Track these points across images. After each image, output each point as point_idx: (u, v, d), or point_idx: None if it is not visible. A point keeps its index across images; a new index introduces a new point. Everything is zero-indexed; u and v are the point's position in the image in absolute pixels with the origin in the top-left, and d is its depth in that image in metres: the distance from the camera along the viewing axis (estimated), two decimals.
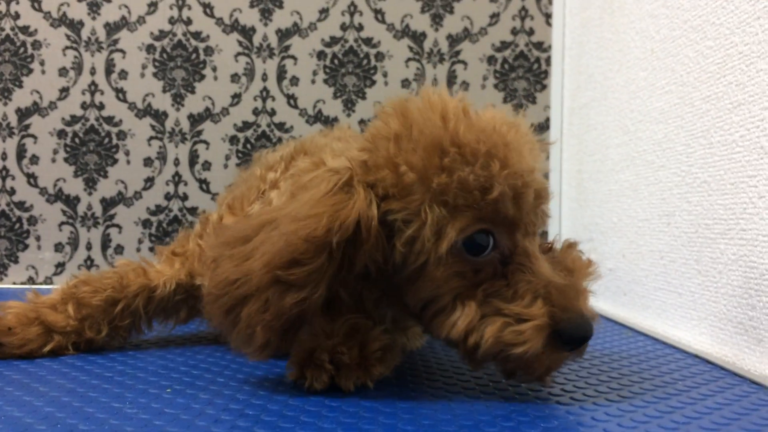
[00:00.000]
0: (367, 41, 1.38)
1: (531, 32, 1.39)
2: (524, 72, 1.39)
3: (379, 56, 1.38)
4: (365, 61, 1.38)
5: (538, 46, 1.39)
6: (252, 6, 1.38)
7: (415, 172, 0.56)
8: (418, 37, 1.38)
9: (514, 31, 1.39)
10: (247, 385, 0.61)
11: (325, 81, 1.39)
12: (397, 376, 0.64)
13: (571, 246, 0.61)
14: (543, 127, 1.38)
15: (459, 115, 0.58)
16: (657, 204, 0.91)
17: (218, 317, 0.58)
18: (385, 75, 1.38)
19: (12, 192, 1.37)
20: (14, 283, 1.37)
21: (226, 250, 0.59)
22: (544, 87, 1.39)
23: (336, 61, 1.38)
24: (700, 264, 0.80)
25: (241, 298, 0.56)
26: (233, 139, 1.38)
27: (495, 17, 1.39)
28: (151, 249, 1.37)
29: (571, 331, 0.54)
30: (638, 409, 0.55)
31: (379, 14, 1.38)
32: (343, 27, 1.38)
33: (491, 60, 1.39)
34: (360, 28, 1.38)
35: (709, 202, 0.77)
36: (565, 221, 1.35)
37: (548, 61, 1.38)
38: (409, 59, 1.38)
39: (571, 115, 1.31)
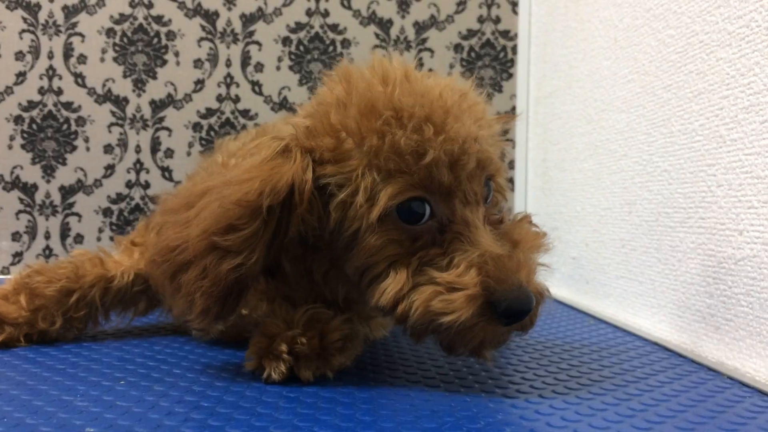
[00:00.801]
0: (333, 27, 1.37)
1: (497, 20, 1.39)
2: (491, 60, 1.39)
3: (345, 43, 1.37)
4: (331, 48, 1.37)
5: (505, 34, 1.39)
6: None
7: (351, 137, 0.55)
8: (385, 24, 1.37)
9: (481, 19, 1.38)
10: (204, 376, 0.60)
11: (290, 68, 1.37)
12: (357, 366, 0.63)
13: (522, 219, 0.60)
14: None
15: (399, 79, 0.57)
16: (619, 193, 0.92)
17: (161, 284, 0.58)
18: (351, 62, 1.36)
19: None
20: None
21: (170, 217, 0.59)
22: (510, 76, 1.39)
23: (301, 48, 1.37)
24: (660, 252, 0.80)
25: (181, 265, 0.56)
26: (196, 126, 1.36)
27: (462, 5, 1.38)
28: (112, 238, 1.34)
29: (507, 304, 0.51)
30: (596, 397, 0.56)
31: (345, 0, 1.37)
32: (309, 13, 1.36)
33: (458, 48, 1.39)
34: (326, 14, 1.36)
35: (669, 191, 0.78)
36: (530, 210, 1.35)
37: (514, 49, 1.38)
38: (375, 46, 1.37)
39: (537, 104, 1.31)
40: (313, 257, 0.61)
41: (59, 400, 0.52)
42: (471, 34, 1.38)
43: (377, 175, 0.54)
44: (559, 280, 1.16)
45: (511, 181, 1.38)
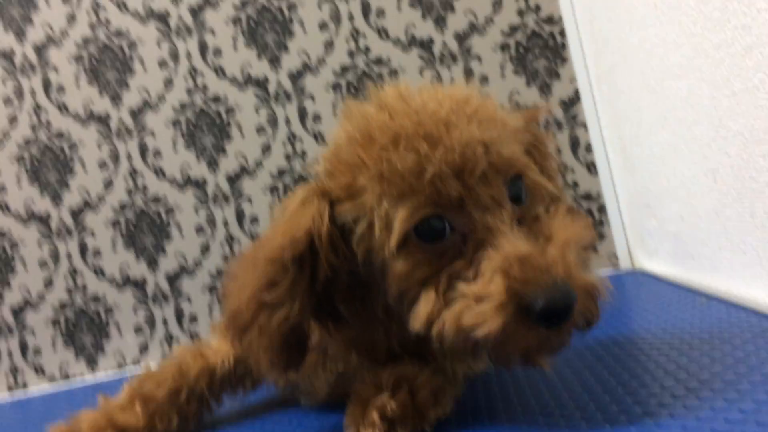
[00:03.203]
0: (377, 61, 1.38)
1: (537, 9, 1.35)
2: (541, 50, 1.35)
3: (393, 73, 1.37)
4: (380, 82, 1.38)
5: (549, 20, 1.35)
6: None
7: (360, 170, 0.56)
8: (426, 44, 1.37)
9: (521, 12, 1.35)
10: None
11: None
12: (457, 411, 0.63)
13: (558, 210, 0.57)
14: (573, 100, 1.34)
15: (392, 102, 0.57)
16: (699, 161, 0.86)
17: (236, 347, 0.62)
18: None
19: (84, 288, 1.43)
20: (105, 371, 1.43)
21: (232, 283, 0.62)
22: (564, 60, 1.34)
23: (352, 89, 1.38)
24: (755, 218, 0.75)
25: (243, 327, 0.58)
26: (273, 190, 1.40)
27: (497, 4, 1.35)
28: (222, 311, 1.40)
29: (540, 305, 0.47)
30: (717, 395, 0.52)
31: (382, 32, 1.37)
32: (351, 54, 1.38)
33: (504, 47, 1.36)
34: (367, 50, 1.38)
35: (748, 154, 0.72)
36: (619, 190, 1.29)
37: (562, 33, 1.34)
38: (422, 68, 1.37)
39: (599, 82, 1.26)
40: (363, 295, 0.62)
41: None
42: (514, 29, 1.35)
43: (388, 202, 0.54)
44: (664, 258, 1.10)
45: (592, 164, 1.33)
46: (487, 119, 0.56)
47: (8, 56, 1.45)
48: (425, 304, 0.54)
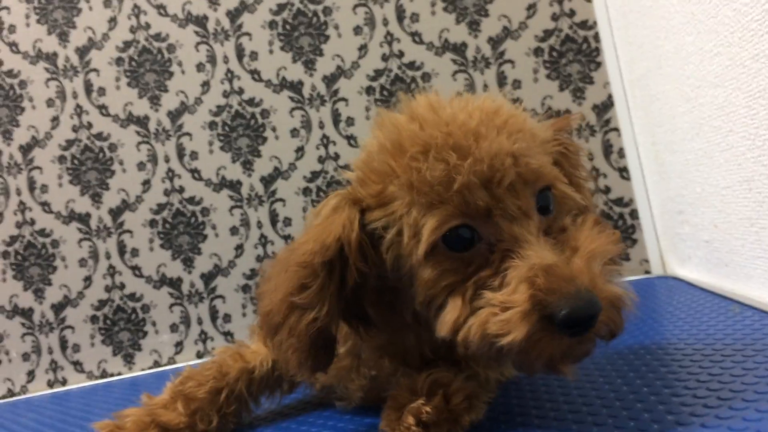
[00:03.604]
0: (410, 65, 1.39)
1: (572, 13, 1.35)
2: (575, 55, 1.35)
3: (426, 77, 1.39)
4: (413, 86, 1.39)
5: (583, 25, 1.35)
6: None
7: (391, 179, 0.57)
8: (459, 48, 1.38)
9: (555, 17, 1.35)
10: None
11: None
12: (489, 417, 0.64)
13: (585, 222, 0.57)
14: (607, 105, 1.33)
15: (423, 113, 0.59)
16: (734, 170, 0.86)
17: (268, 347, 0.65)
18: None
19: (122, 286, 1.47)
20: (142, 369, 1.47)
21: (266, 285, 0.64)
22: (598, 65, 1.34)
23: (385, 92, 1.40)
24: None
25: (274, 328, 0.60)
26: (306, 191, 1.43)
27: (532, 8, 1.36)
28: (255, 311, 1.43)
29: (564, 314, 0.48)
30: (750, 405, 0.53)
31: (416, 36, 1.39)
32: (384, 58, 1.40)
33: (538, 51, 1.36)
34: (401, 54, 1.39)
35: None
36: (652, 196, 1.29)
37: (596, 37, 1.34)
38: (455, 72, 1.38)
39: (632, 88, 1.26)
40: (392, 301, 0.63)
41: None
42: (548, 34, 1.36)
43: (417, 211, 0.55)
44: (697, 265, 1.10)
45: (625, 170, 1.33)
46: (517, 130, 0.57)
47: (51, 59, 1.49)
48: (452, 311, 0.55)
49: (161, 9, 1.45)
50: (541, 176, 0.57)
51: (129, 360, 1.47)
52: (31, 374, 1.48)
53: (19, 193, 1.49)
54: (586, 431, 0.56)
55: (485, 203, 0.54)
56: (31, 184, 1.49)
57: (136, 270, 1.47)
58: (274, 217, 1.43)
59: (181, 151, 1.45)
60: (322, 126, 1.42)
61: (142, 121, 1.46)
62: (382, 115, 0.62)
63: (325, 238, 0.58)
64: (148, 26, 1.46)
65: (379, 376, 0.70)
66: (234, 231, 1.45)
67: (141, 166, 1.47)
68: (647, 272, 1.32)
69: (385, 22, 1.39)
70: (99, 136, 1.48)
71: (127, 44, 1.47)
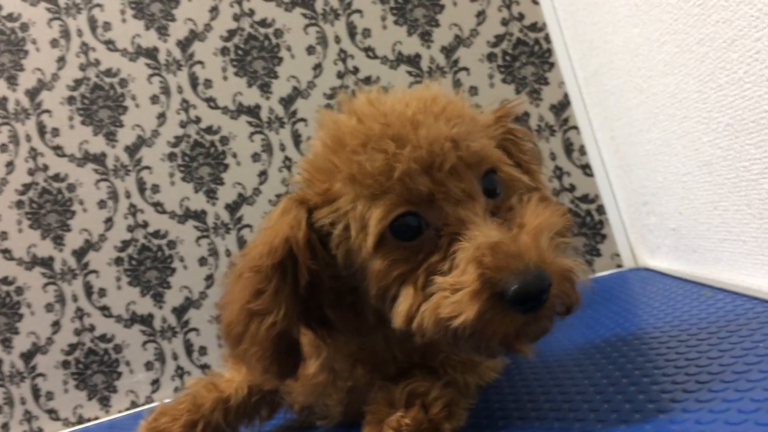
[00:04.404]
0: (367, 81, 1.39)
1: (521, 17, 1.36)
2: (528, 57, 1.36)
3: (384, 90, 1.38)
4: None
5: (533, 27, 1.36)
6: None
7: (334, 176, 0.57)
8: (414, 60, 1.38)
9: (504, 22, 1.37)
10: None
11: None
12: (471, 424, 0.63)
13: (530, 199, 0.57)
14: (563, 104, 1.35)
15: (362, 107, 0.59)
16: (693, 156, 0.87)
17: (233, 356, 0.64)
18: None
19: (92, 328, 1.43)
20: (119, 412, 1.43)
21: (225, 296, 0.64)
22: (552, 65, 1.35)
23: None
24: (752, 207, 0.75)
25: (236, 338, 0.60)
26: None
27: (481, 15, 1.37)
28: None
29: (511, 290, 0.48)
30: (729, 386, 0.52)
31: (369, 51, 1.39)
32: (340, 75, 1.39)
33: (491, 57, 1.37)
34: (356, 71, 1.39)
35: (739, 144, 0.73)
36: (617, 190, 1.30)
37: (547, 38, 1.35)
38: (411, 83, 1.38)
39: (587, 85, 1.27)
40: (352, 301, 0.62)
41: None
42: (500, 39, 1.37)
43: (362, 204, 0.55)
44: (667, 254, 1.11)
45: (587, 166, 1.34)
46: (456, 116, 0.58)
47: (1, 103, 1.46)
48: (405, 300, 0.55)
49: (110, 44, 1.44)
50: (484, 158, 0.58)
51: (105, 403, 1.43)
52: (5, 427, 1.43)
53: None
54: (569, 428, 0.55)
55: (428, 188, 0.54)
56: None
57: (105, 310, 1.43)
58: (242, 245, 1.41)
59: (141, 186, 1.43)
60: (283, 148, 1.40)
61: (99, 159, 1.44)
62: (323, 115, 0.62)
63: (273, 240, 0.58)
64: (98, 62, 1.44)
65: (356, 387, 0.69)
66: (203, 261, 1.42)
67: (102, 204, 1.44)
68: (619, 266, 1.32)
69: (338, 40, 1.39)
70: (56, 178, 1.45)
71: (78, 82, 1.44)
